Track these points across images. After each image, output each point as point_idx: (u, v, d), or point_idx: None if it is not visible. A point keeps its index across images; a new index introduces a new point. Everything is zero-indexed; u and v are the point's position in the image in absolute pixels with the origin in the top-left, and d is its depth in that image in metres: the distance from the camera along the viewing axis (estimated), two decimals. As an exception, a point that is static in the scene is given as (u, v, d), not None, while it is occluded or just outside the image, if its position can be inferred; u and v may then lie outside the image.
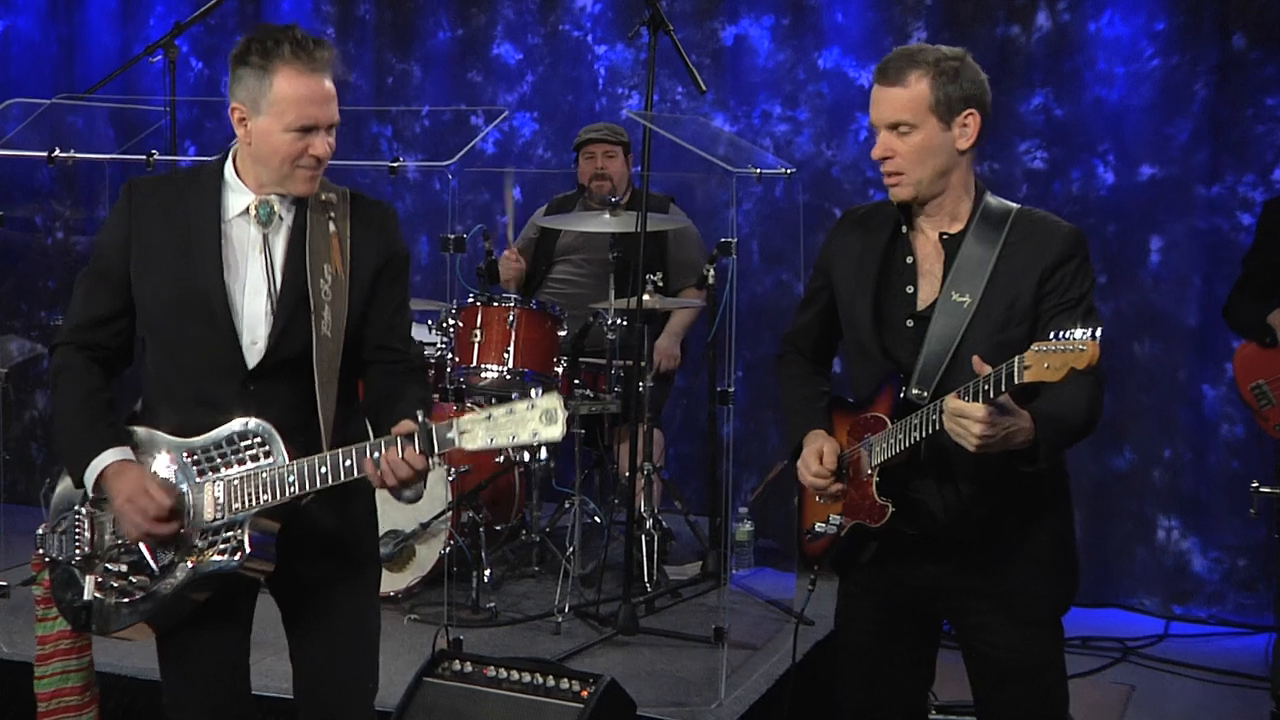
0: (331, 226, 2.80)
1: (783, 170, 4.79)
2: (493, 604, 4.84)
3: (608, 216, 5.14)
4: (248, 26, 6.72)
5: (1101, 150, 5.60)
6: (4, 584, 4.72)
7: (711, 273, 5.29)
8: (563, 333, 5.25)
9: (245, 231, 2.79)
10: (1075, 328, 2.44)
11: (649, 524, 5.14)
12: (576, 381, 5.27)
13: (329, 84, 2.72)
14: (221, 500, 2.71)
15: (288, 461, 2.68)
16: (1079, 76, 5.59)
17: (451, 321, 5.16)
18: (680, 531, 5.56)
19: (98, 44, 6.94)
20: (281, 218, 2.80)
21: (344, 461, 2.65)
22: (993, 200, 2.86)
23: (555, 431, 2.50)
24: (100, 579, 2.78)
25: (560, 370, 5.20)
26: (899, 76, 2.77)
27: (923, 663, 3.04)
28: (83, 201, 6.83)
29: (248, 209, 2.78)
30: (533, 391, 2.55)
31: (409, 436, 2.61)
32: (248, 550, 2.68)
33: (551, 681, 3.48)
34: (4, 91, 6.47)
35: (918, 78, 2.75)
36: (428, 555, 4.87)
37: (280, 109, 2.69)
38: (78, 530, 2.81)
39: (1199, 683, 4.96)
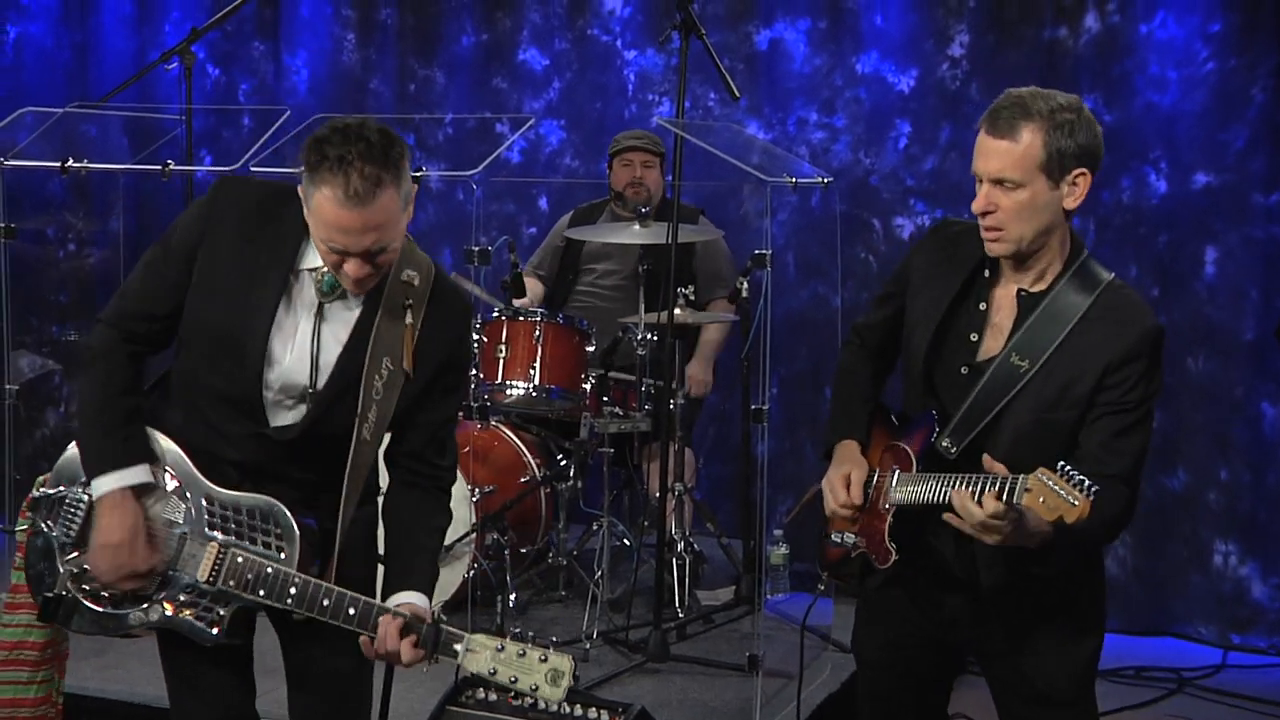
0: (407, 317, 2.65)
1: (819, 179, 4.74)
2: (518, 629, 4.69)
3: (637, 227, 5.05)
4: (265, 32, 6.68)
5: (1153, 157, 5.46)
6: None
7: (745, 286, 5.23)
8: (591, 348, 5.19)
9: (307, 289, 2.65)
10: (1119, 439, 2.58)
11: (680, 547, 5.11)
12: (605, 398, 5.22)
13: (372, 212, 2.47)
14: (220, 568, 2.64)
15: (295, 572, 2.60)
16: (1129, 80, 5.46)
17: (476, 336, 5.09)
18: (713, 555, 5.54)
19: (112, 51, 6.90)
20: (346, 294, 2.64)
21: (348, 608, 2.59)
22: (1090, 265, 2.75)
23: (556, 694, 2.50)
24: (76, 571, 2.72)
25: (588, 386, 5.13)
26: (1010, 129, 2.63)
27: (941, 685, 3.02)
28: (95, 213, 6.79)
29: (317, 269, 2.63)
30: (550, 650, 2.52)
31: (415, 624, 2.55)
32: (224, 631, 2.66)
33: (579, 710, 3.41)
34: (16, 100, 6.42)
35: (1031, 132, 2.63)
36: (451, 579, 4.84)
37: (314, 221, 2.53)
38: (76, 512, 2.75)
39: (1259, 715, 4.82)
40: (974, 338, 2.77)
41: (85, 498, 2.74)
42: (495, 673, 2.50)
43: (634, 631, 4.72)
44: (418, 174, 4.77)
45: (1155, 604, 5.49)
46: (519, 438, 5.25)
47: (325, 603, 2.58)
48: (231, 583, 2.62)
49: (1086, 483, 2.37)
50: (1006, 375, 2.68)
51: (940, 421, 2.74)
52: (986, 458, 2.54)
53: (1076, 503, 2.37)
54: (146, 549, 2.65)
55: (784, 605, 5.40)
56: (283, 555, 2.62)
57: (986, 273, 2.78)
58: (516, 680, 2.50)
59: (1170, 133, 5.42)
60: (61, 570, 2.72)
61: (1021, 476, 2.45)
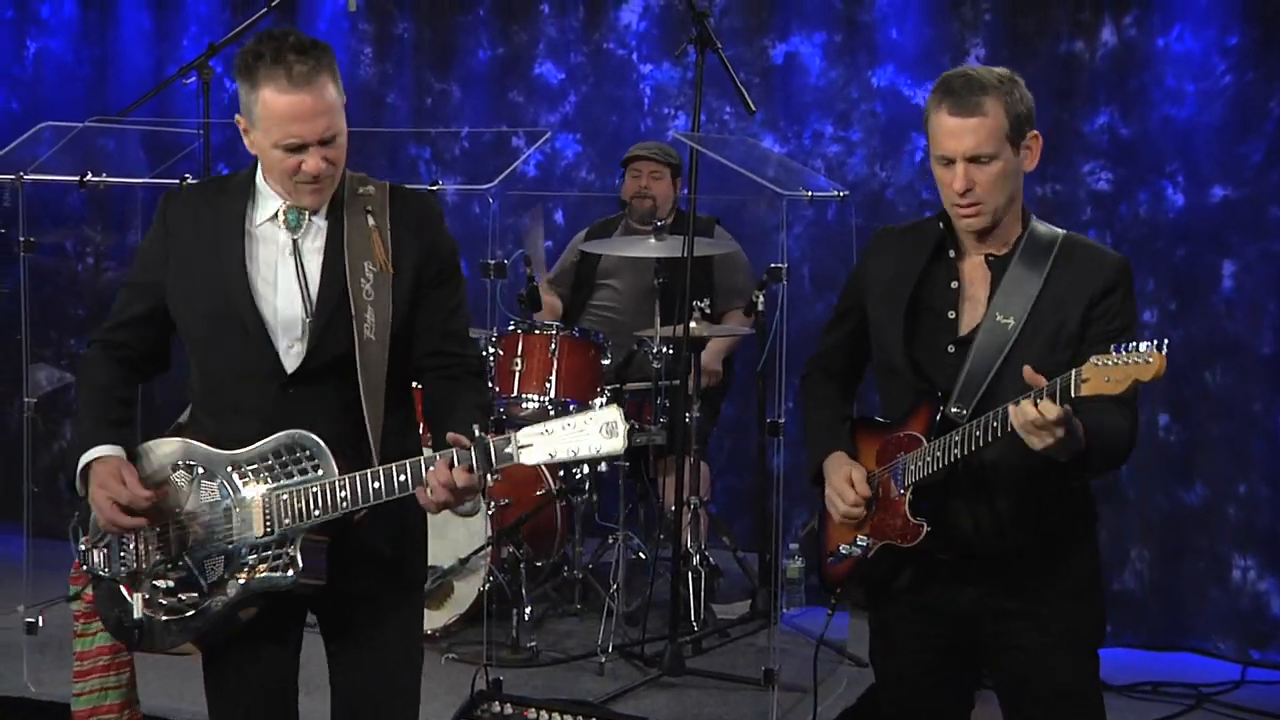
0: (370, 221, 2.74)
1: (835, 193, 4.75)
2: (534, 643, 4.81)
3: (652, 241, 5.05)
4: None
5: (1170, 171, 5.45)
6: (32, 620, 4.65)
7: (761, 299, 5.23)
8: (606, 361, 5.20)
9: (275, 236, 2.74)
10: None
11: (696, 560, 5.09)
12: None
13: (318, 97, 2.63)
14: (271, 515, 2.66)
15: (338, 475, 2.62)
16: (1146, 94, 5.45)
17: (491, 350, 5.10)
18: (728, 568, 5.51)
19: (131, 65, 6.94)
20: (312, 220, 2.74)
21: (398, 476, 2.60)
22: (1039, 225, 2.86)
23: (616, 445, 2.47)
24: (148, 596, 2.75)
25: (603, 400, 5.11)
26: (976, 105, 2.72)
27: (963, 693, 3.01)
28: (113, 226, 6.83)
29: (276, 214, 2.73)
30: (595, 403, 2.49)
31: (462, 452, 2.54)
32: (300, 566, 2.63)
33: (594, 727, 3.40)
34: (36, 114, 6.46)
35: (992, 104, 2.73)
36: (466, 592, 4.85)
37: (266, 126, 2.65)
38: (122, 546, 2.77)
39: (1279, 732, 4.78)
40: (952, 315, 2.82)
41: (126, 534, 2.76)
42: (555, 455, 2.50)
43: (649, 645, 4.70)
44: (434, 187, 4.78)
45: (1173, 619, 5.45)
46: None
47: (375, 485, 2.60)
48: (287, 521, 2.64)
49: (1148, 345, 2.39)
50: (996, 333, 2.75)
51: (942, 395, 2.77)
52: (1028, 369, 2.55)
53: (1150, 360, 2.38)
54: (136, 480, 2.66)
55: (800, 619, 5.37)
56: (320, 471, 2.64)
57: (951, 252, 2.84)
58: (577, 451, 2.48)
59: (1187, 146, 5.41)
60: (133, 601, 2.75)
61: (1073, 370, 2.47)
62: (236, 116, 2.69)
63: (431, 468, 2.57)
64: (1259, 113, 5.30)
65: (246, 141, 2.71)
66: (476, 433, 2.54)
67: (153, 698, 4.08)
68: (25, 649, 4.49)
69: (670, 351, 5.07)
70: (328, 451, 2.64)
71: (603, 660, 4.63)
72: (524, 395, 5.04)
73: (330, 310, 2.70)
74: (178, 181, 4.82)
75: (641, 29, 6.27)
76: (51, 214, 6.67)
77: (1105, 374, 2.42)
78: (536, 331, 5.10)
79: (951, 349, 2.81)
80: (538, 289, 5.40)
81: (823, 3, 5.95)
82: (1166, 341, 2.39)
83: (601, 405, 2.50)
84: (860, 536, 2.88)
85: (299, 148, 2.63)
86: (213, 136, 5.45)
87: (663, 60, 6.22)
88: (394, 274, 2.73)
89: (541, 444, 2.50)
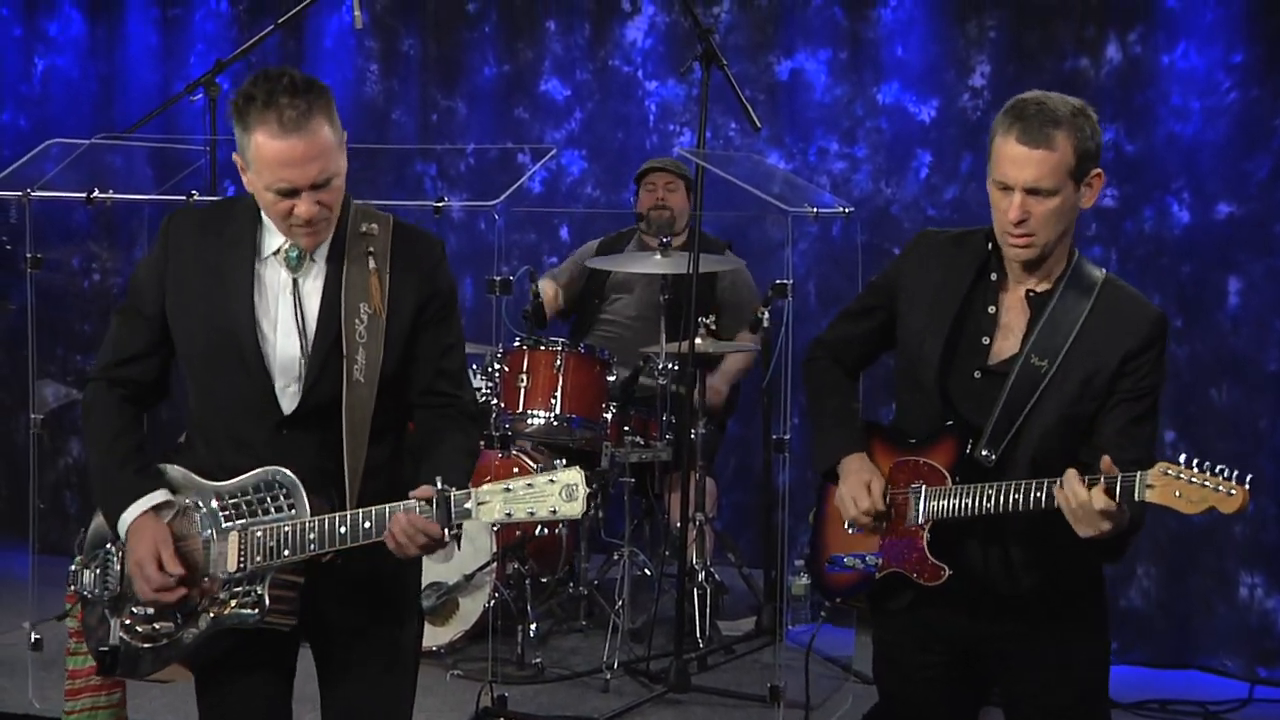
0: (371, 263, 2.71)
1: (840, 209, 4.75)
2: (539, 659, 4.79)
3: (658, 257, 5.04)
4: (289, 64, 6.70)
5: (1175, 188, 5.44)
6: (38, 637, 4.66)
7: (766, 315, 5.22)
8: (612, 377, 5.20)
9: (277, 273, 2.73)
10: (1136, 425, 2.62)
11: (701, 577, 5.08)
12: (626, 428, 5.22)
13: (310, 142, 2.58)
14: (245, 551, 2.67)
15: (309, 517, 2.62)
16: (1151, 111, 5.44)
17: (497, 366, 5.11)
18: (734, 585, 5.49)
19: (138, 82, 6.94)
20: (313, 260, 2.72)
21: (364, 523, 2.62)
22: (1084, 263, 2.80)
23: (575, 509, 2.51)
24: (127, 621, 2.76)
25: (609, 416, 5.13)
26: (1046, 138, 2.64)
27: (968, 711, 2.99)
28: (120, 243, 6.83)
29: (279, 249, 2.71)
30: (556, 463, 2.53)
31: (423, 505, 2.56)
32: (266, 605, 2.64)
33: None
34: (43, 131, 6.48)
35: (1063, 139, 2.65)
36: (471, 608, 4.84)
37: (259, 169, 2.62)
38: (109, 569, 2.78)
39: (1287, 750, 4.77)
40: (985, 340, 2.78)
41: (113, 551, 2.77)
42: (511, 515, 2.53)
43: (655, 662, 4.69)
44: (439, 203, 4.78)
45: (1180, 637, 5.42)
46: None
47: (342, 530, 2.61)
48: (259, 558, 2.64)
49: (1226, 470, 2.37)
50: (1029, 377, 2.70)
51: (971, 431, 2.73)
52: (1106, 460, 2.52)
53: (1233, 493, 2.36)
54: (176, 558, 2.66)
55: (805, 636, 5.32)
56: (294, 510, 2.64)
57: (993, 276, 2.79)
58: (534, 513, 2.52)
59: (1193, 163, 5.40)
60: (112, 624, 2.75)
61: (1139, 474, 2.45)
62: (234, 155, 2.68)
63: (395, 514, 2.58)
64: (1264, 129, 5.29)
65: (245, 181, 2.68)
66: (439, 484, 2.56)
67: (144, 717, 4.09)
68: (30, 665, 4.49)
69: (676, 368, 5.06)
70: (302, 491, 2.65)
71: (608, 677, 4.62)
72: (529, 411, 5.05)
73: (324, 354, 2.69)
74: (184, 198, 4.84)
75: (647, 46, 6.28)
76: (58, 231, 6.69)
77: (1176, 488, 2.39)
78: (542, 348, 5.10)
79: (977, 375, 2.77)
80: (543, 306, 5.40)
81: (828, 19, 5.96)
82: (1250, 476, 2.35)
83: (563, 466, 2.51)
84: (869, 554, 2.84)
85: (291, 192, 2.60)
86: (219, 153, 5.44)
87: (668, 77, 6.23)
88: (389, 315, 2.71)
89: (499, 502, 2.54)
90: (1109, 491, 2.48)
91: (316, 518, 2.63)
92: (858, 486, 2.82)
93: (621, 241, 5.81)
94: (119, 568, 2.75)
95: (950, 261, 2.83)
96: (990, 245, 2.79)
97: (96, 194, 4.75)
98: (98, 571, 2.79)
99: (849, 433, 2.92)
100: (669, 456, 5.11)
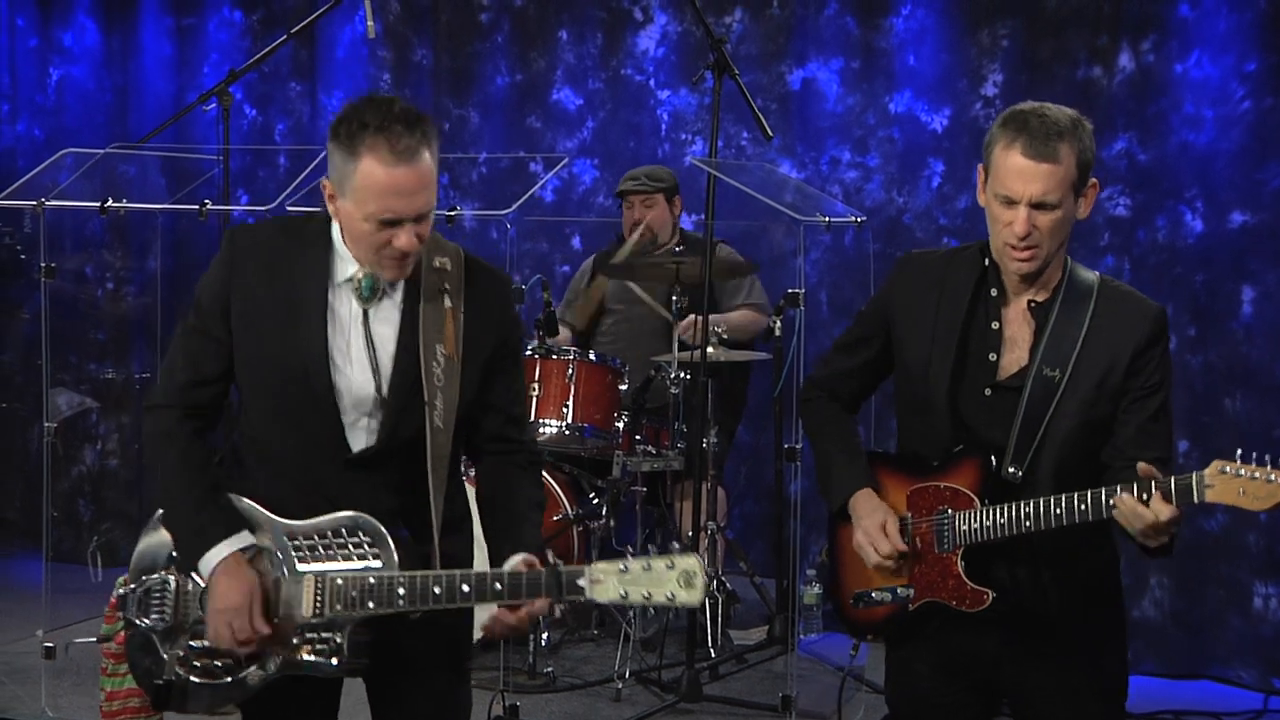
0: (446, 301, 2.63)
1: (852, 218, 4.74)
2: (550, 669, 4.79)
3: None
4: (302, 74, 6.74)
5: (1189, 196, 5.43)
6: (50, 645, 4.65)
7: (778, 324, 5.24)
8: (623, 386, 5.20)
9: (348, 304, 2.62)
10: (1154, 423, 2.61)
11: (713, 586, 5.06)
12: (638, 437, 5.22)
13: (421, 173, 2.50)
14: (323, 597, 2.55)
15: (398, 571, 2.52)
16: (1164, 120, 5.43)
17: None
18: (745, 594, 5.50)
19: (152, 92, 6.99)
20: (386, 293, 2.63)
21: (461, 586, 2.50)
22: (1078, 268, 2.80)
23: (694, 598, 2.41)
24: (183, 654, 2.64)
25: (621, 425, 5.13)
26: (1052, 152, 2.63)
27: None
28: (133, 252, 6.86)
29: (352, 278, 2.61)
30: (673, 546, 2.47)
31: (534, 578, 2.47)
32: (345, 655, 2.56)
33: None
34: (58, 141, 6.54)
35: (1067, 151, 2.64)
36: (483, 617, 4.73)
37: (361, 197, 2.50)
38: (163, 597, 2.66)
39: (1301, 761, 4.75)
40: (992, 357, 2.75)
41: (170, 580, 2.66)
42: (627, 595, 2.43)
43: (666, 671, 4.69)
44: (452, 213, 4.79)
45: (1194, 647, 5.39)
46: (551, 476, 5.24)
47: (437, 590, 2.49)
48: (339, 607, 2.54)
49: None
50: (1044, 388, 2.69)
51: (992, 449, 2.71)
52: (1142, 465, 2.51)
53: None
54: (263, 618, 2.55)
55: (817, 645, 5.35)
56: (379, 562, 2.54)
57: (994, 291, 2.77)
58: (650, 596, 2.41)
59: (1206, 172, 5.38)
60: (166, 657, 2.64)
61: (1194, 475, 2.44)
62: (323, 180, 2.57)
63: (499, 584, 2.47)
64: (1278, 138, 5.27)
65: (331, 208, 2.58)
66: (550, 559, 2.49)
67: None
68: (44, 673, 4.49)
69: (688, 376, 5.06)
70: (390, 541, 2.54)
71: (619, 686, 4.62)
72: (542, 420, 5.06)
73: (405, 394, 2.59)
74: (197, 208, 4.85)
75: (659, 55, 6.29)
76: (73, 239, 6.74)
77: (1240, 485, 2.38)
78: (554, 356, 5.11)
79: (988, 392, 2.75)
80: (555, 314, 5.41)
81: (840, 29, 5.96)
82: None
83: (678, 551, 2.44)
84: (899, 586, 2.79)
85: (394, 222, 2.50)
86: (232, 163, 5.46)
87: (680, 86, 6.24)
88: (464, 361, 2.63)
89: (615, 582, 2.44)
90: (1167, 497, 2.46)
91: (407, 574, 2.51)
92: (874, 530, 2.77)
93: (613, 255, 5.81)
94: (175, 597, 2.65)
95: (945, 281, 2.80)
96: (987, 261, 2.77)
97: (110, 203, 4.76)
98: (146, 599, 2.66)
99: (854, 469, 2.89)
100: (680, 465, 5.12)
